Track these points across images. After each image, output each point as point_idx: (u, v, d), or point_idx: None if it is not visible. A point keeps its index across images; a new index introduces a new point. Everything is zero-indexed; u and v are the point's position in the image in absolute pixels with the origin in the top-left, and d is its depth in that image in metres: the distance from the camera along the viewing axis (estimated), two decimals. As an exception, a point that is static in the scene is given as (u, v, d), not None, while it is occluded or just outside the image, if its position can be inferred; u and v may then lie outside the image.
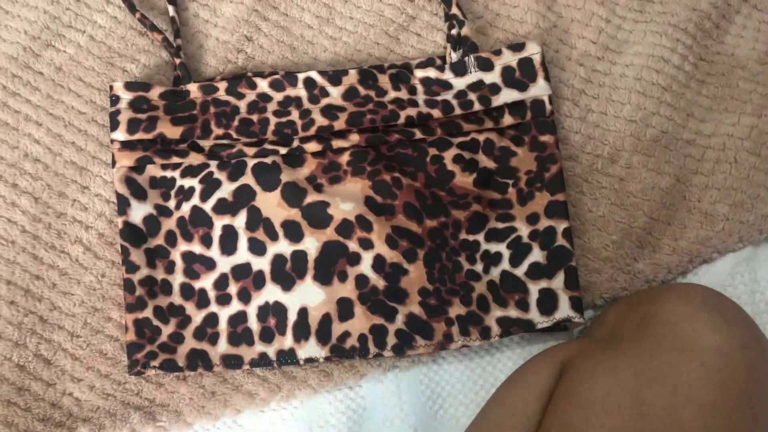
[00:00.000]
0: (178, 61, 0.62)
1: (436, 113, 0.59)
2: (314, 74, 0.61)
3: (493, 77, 0.61)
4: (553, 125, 0.61)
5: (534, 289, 0.57)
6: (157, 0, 0.67)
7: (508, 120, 0.60)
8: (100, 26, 0.66)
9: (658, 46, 0.65)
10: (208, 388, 0.58)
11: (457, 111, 0.60)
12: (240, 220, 0.57)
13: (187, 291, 0.57)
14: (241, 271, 0.57)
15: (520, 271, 0.58)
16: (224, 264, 0.57)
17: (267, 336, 0.56)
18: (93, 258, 0.60)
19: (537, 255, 0.58)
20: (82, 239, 0.60)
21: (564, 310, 0.56)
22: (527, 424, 0.51)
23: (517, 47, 0.61)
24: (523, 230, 0.58)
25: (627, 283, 0.60)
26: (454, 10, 0.63)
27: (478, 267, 0.58)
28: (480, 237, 0.58)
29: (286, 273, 0.56)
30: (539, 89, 0.60)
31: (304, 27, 0.67)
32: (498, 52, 0.61)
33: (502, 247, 0.58)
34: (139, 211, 0.58)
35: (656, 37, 0.66)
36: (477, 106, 0.60)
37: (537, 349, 0.59)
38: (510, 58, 0.61)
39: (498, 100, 0.60)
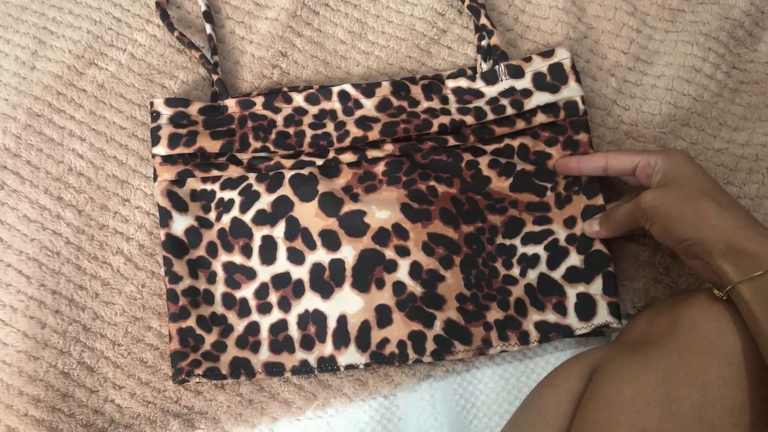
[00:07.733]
0: (215, 77, 0.63)
1: (468, 119, 0.60)
2: (348, 87, 0.62)
3: (524, 83, 0.61)
4: (586, 123, 0.61)
5: (572, 292, 0.57)
6: (195, 18, 0.69)
7: (540, 118, 0.61)
8: (140, 44, 0.68)
9: (690, 56, 0.65)
10: (245, 396, 0.59)
11: (490, 116, 0.60)
12: (279, 231, 0.58)
13: (228, 300, 0.58)
14: (281, 280, 0.58)
15: (557, 274, 0.58)
16: (264, 273, 0.58)
17: (307, 343, 0.57)
18: (134, 268, 0.62)
19: (574, 259, 0.58)
20: (123, 250, 0.62)
21: (602, 315, 0.56)
22: (558, 426, 0.52)
23: (546, 54, 0.62)
24: (561, 233, 0.59)
25: (660, 293, 0.59)
26: (483, 21, 0.64)
27: (515, 271, 0.58)
28: (516, 241, 0.59)
29: (325, 281, 0.57)
30: (571, 90, 0.61)
31: (337, 42, 0.68)
32: (528, 59, 0.62)
33: (539, 249, 0.59)
34: (180, 223, 0.59)
35: (687, 47, 0.66)
36: (509, 111, 0.60)
37: (570, 356, 0.59)
38: (540, 65, 0.62)
39: (530, 103, 0.61)
